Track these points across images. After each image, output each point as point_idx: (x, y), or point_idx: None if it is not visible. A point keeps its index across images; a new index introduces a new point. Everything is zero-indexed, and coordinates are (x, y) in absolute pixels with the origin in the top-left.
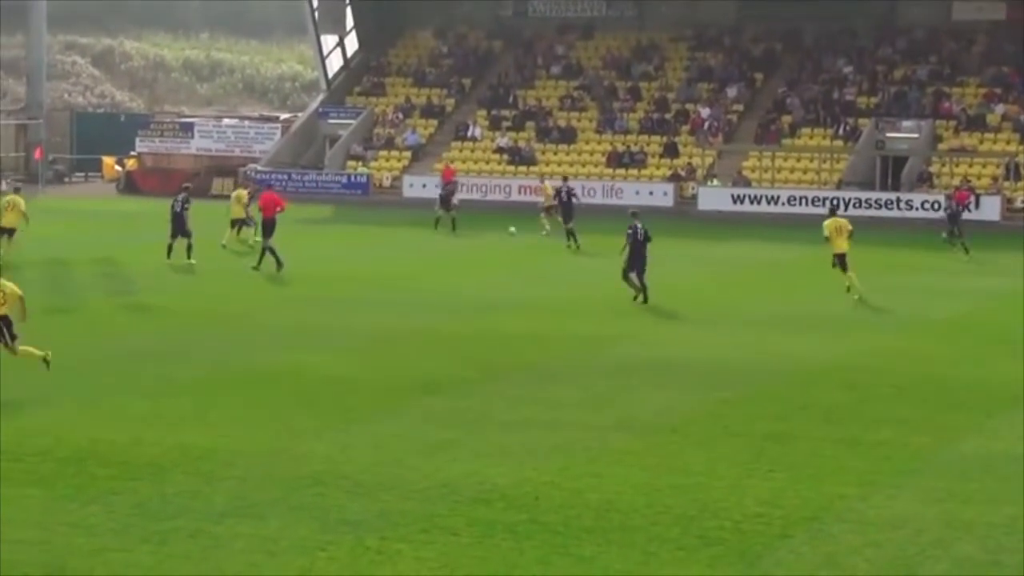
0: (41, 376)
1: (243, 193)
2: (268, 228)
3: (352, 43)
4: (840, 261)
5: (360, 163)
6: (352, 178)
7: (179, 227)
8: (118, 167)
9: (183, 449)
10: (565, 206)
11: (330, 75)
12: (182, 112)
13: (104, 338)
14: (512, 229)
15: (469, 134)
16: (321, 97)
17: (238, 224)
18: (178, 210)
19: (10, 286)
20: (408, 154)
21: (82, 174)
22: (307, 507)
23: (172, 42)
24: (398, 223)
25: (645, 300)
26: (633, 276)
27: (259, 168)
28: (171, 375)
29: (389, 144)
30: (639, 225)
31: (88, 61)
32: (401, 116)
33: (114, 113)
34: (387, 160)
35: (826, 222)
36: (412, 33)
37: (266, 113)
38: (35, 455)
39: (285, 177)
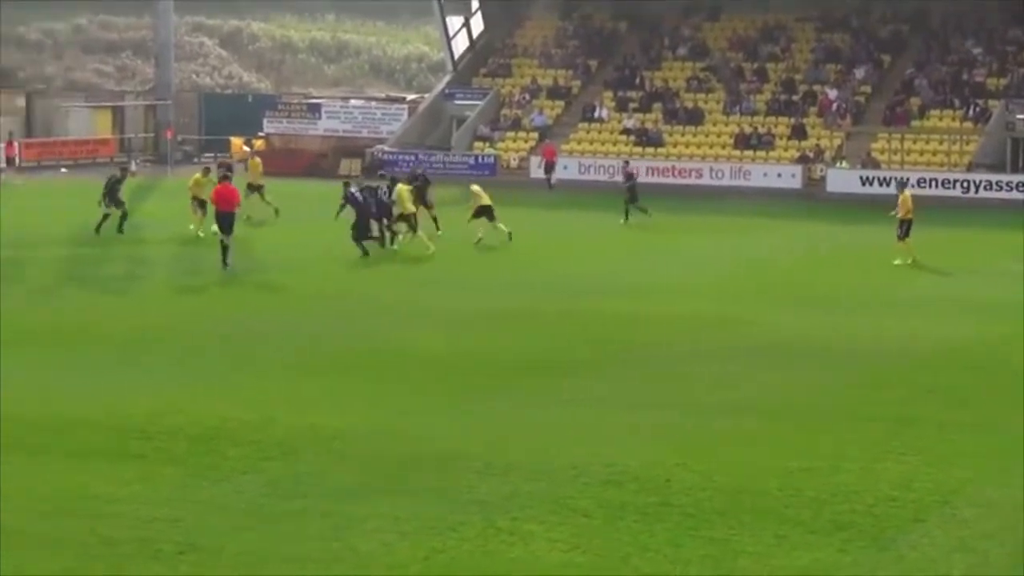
0: (173, 355)
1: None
2: (225, 223)
3: (478, 24)
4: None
5: (487, 144)
6: (479, 159)
7: (380, 212)
8: (246, 147)
9: (314, 429)
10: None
11: (456, 56)
12: (309, 93)
13: (234, 317)
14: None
15: (596, 115)
16: (448, 78)
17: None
18: (384, 199)
19: None
20: (535, 135)
21: (211, 155)
22: (438, 487)
23: (299, 23)
24: (524, 204)
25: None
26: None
27: (386, 149)
28: (301, 355)
29: (516, 125)
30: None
31: (216, 42)
32: (528, 97)
33: (242, 94)
34: (514, 141)
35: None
36: (538, 14)
37: (393, 94)
38: (167, 434)
39: (412, 158)
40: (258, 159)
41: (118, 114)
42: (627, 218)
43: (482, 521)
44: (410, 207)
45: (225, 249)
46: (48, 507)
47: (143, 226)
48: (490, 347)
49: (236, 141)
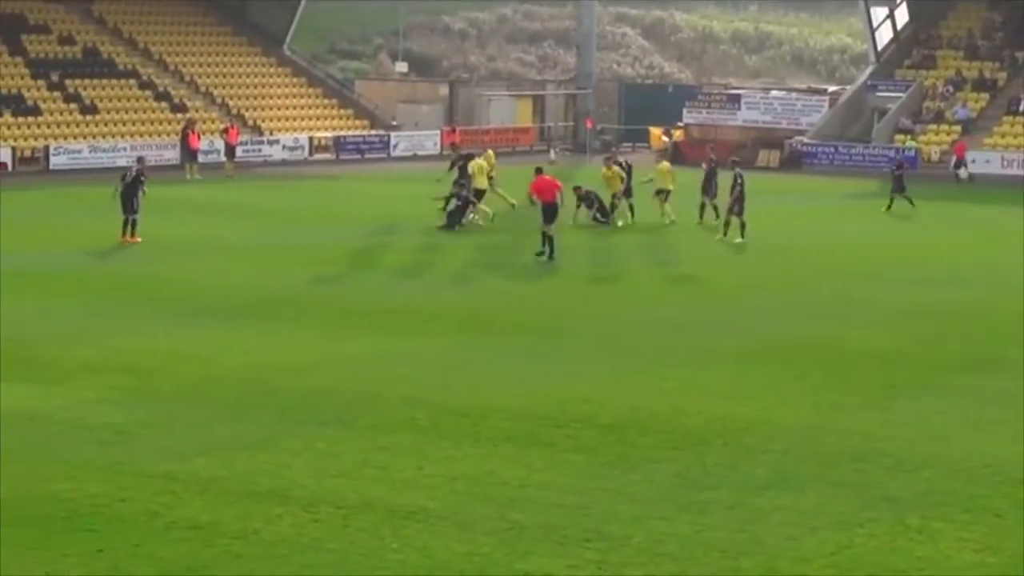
0: (585, 345)
1: None
2: (548, 214)
3: (902, 15)
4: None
5: (908, 137)
6: (899, 152)
7: (737, 204)
8: (665, 138)
9: (723, 420)
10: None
11: (879, 47)
12: (730, 84)
13: (645, 308)
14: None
15: (1021, 108)
16: (870, 70)
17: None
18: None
19: None
20: (958, 128)
21: (629, 144)
22: (846, 483)
23: (721, 14)
24: (946, 198)
25: None
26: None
27: (805, 141)
28: (711, 346)
29: (938, 118)
30: None
31: (638, 32)
32: (951, 89)
33: (662, 84)
34: (936, 134)
35: None
36: (964, 5)
37: (814, 85)
38: (577, 422)
39: (832, 150)
40: (491, 151)
41: (539, 103)
42: (890, 206)
43: (892, 518)
44: (482, 183)
45: (548, 239)
46: (461, 491)
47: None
48: (919, 343)
49: (655, 131)
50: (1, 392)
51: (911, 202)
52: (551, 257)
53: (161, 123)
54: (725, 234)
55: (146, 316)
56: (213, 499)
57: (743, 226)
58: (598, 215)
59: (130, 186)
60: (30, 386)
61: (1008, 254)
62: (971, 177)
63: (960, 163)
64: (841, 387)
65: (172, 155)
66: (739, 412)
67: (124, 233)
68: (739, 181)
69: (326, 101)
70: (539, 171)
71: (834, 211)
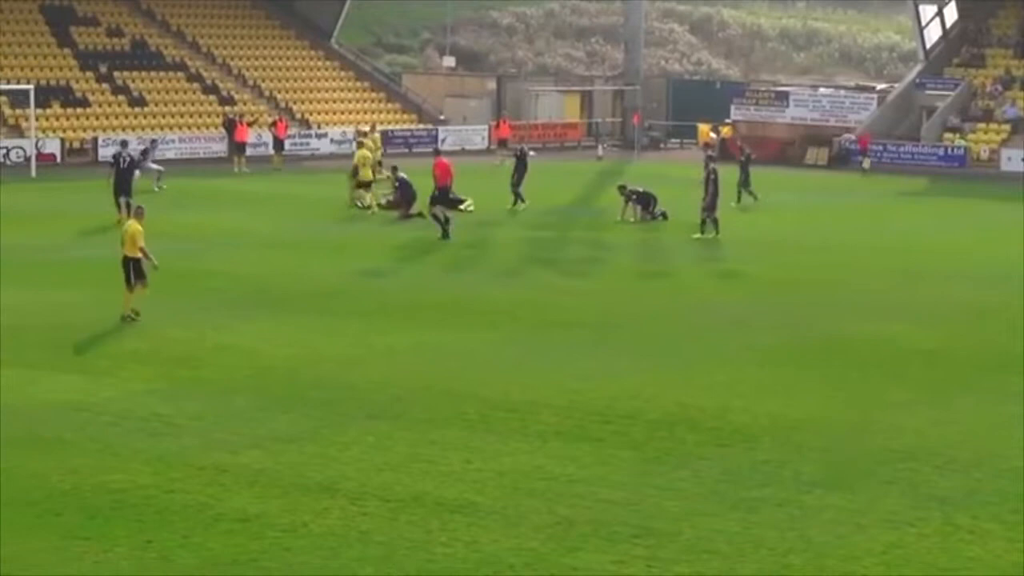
0: (634, 341)
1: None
2: (443, 197)
3: (951, 13)
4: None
5: (957, 135)
6: (948, 150)
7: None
8: (712, 134)
9: (772, 418)
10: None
11: (928, 45)
12: (778, 80)
13: (693, 305)
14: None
15: None
16: (918, 67)
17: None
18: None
19: (134, 227)
20: (1007, 127)
21: (677, 140)
22: (897, 481)
23: (769, 11)
24: (995, 197)
25: None
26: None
27: (852, 138)
28: (759, 343)
29: (987, 117)
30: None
31: (686, 28)
32: (1000, 88)
33: (710, 80)
34: (985, 133)
35: None
36: (1014, 3)
37: (862, 83)
38: (625, 418)
39: (880, 148)
40: (377, 135)
41: (586, 99)
42: (739, 200)
43: (941, 517)
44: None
45: (438, 220)
46: (509, 485)
47: (607, 211)
48: (969, 341)
49: (703, 127)
50: (53, 382)
51: (740, 197)
52: (446, 236)
53: (209, 115)
54: (703, 232)
55: (195, 308)
56: (262, 491)
57: (716, 223)
58: (649, 213)
59: (126, 170)
60: (81, 376)
61: None
62: (869, 167)
63: (863, 153)
64: (891, 384)
65: (220, 147)
66: (788, 409)
67: (120, 211)
68: (712, 177)
69: (374, 95)
70: (438, 153)
71: (881, 209)
